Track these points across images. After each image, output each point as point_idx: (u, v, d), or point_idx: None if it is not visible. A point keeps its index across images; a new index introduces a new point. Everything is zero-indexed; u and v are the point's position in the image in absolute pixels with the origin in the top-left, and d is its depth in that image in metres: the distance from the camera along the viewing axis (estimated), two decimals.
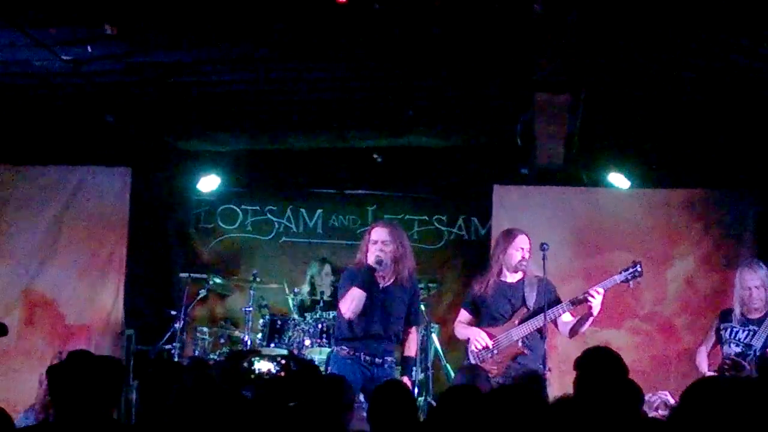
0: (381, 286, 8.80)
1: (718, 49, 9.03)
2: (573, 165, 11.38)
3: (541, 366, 8.69)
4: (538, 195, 11.29)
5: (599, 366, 5.70)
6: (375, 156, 12.58)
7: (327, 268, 12.51)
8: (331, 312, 11.19)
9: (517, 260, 9.03)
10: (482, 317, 9.08)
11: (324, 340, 11.21)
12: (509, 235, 9.23)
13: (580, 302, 8.90)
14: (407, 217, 13.03)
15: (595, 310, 8.84)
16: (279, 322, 11.44)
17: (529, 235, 9.11)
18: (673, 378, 10.42)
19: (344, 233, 13.10)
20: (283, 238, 13.20)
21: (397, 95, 10.82)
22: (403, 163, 12.68)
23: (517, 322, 8.90)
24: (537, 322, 8.80)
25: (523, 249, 9.04)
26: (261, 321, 11.60)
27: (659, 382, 10.48)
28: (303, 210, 13.26)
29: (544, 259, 9.10)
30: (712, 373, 9.14)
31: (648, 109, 10.76)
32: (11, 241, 10.96)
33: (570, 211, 11.21)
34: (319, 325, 11.22)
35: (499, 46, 9.16)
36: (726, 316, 9.58)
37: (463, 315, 9.24)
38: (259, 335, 11.47)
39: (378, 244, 8.70)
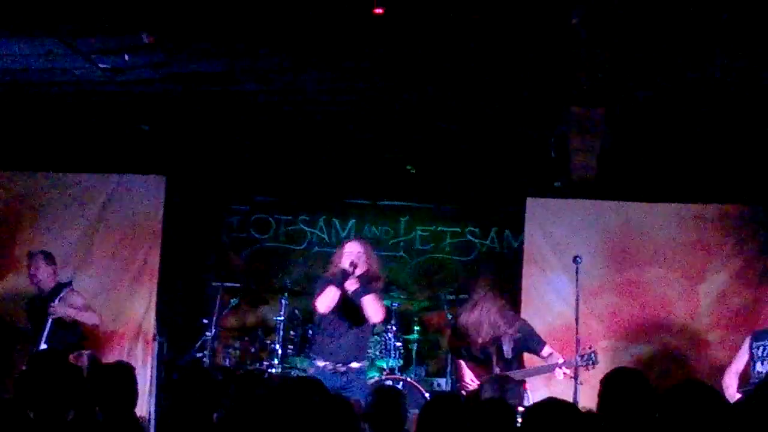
0: (349, 294, 9.15)
1: (752, 66, 9.01)
2: (606, 178, 11.35)
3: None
4: (571, 208, 11.22)
5: (624, 387, 5.68)
6: (408, 167, 12.60)
7: None
8: None
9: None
10: (465, 349, 9.65)
11: None
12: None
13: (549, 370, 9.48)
14: (440, 228, 13.05)
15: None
16: (311, 332, 11.45)
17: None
18: None
19: (377, 244, 13.08)
20: (316, 248, 13.22)
21: (432, 107, 10.84)
22: (437, 175, 12.69)
23: (497, 369, 9.35)
24: (516, 375, 9.30)
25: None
26: (292, 331, 11.62)
27: None
28: (336, 220, 13.29)
29: (577, 272, 9.28)
30: (740, 396, 9.07)
31: (682, 124, 10.74)
32: (46, 247, 10.98)
33: (603, 224, 11.14)
34: None
35: (536, 60, 9.16)
36: (759, 335, 9.53)
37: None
38: (291, 345, 11.49)
39: (353, 255, 9.19)
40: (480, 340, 9.54)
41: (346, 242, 9.54)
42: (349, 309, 9.19)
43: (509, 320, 9.63)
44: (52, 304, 9.95)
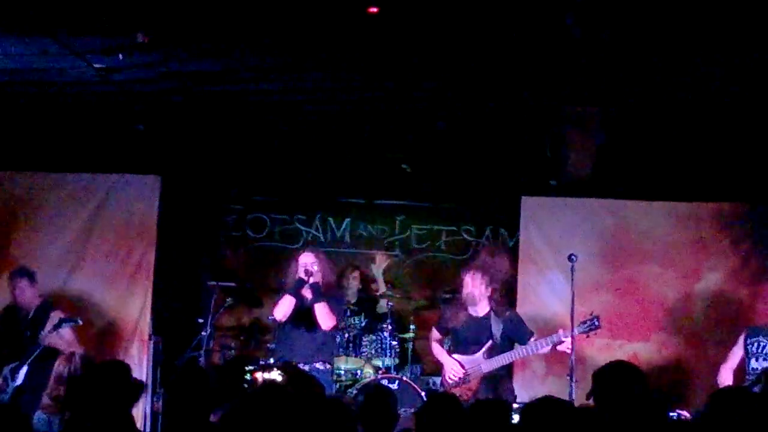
0: (305, 304, 9.76)
1: (746, 64, 9.02)
2: (602, 177, 11.35)
3: (510, 382, 9.88)
4: (567, 207, 11.25)
5: (617, 380, 5.68)
6: (404, 166, 12.59)
7: (356, 273, 12.37)
8: (356, 318, 11.30)
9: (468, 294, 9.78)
10: (451, 342, 9.99)
11: (350, 349, 11.23)
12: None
13: (552, 344, 9.55)
14: (435, 227, 13.03)
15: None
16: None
17: (479, 274, 9.78)
18: (700, 392, 10.35)
19: (372, 243, 13.09)
20: (311, 247, 13.18)
21: (427, 105, 10.83)
22: (432, 174, 12.67)
23: (485, 355, 9.55)
24: (506, 358, 9.62)
25: (469, 284, 9.78)
26: None
27: (686, 395, 10.47)
28: (331, 219, 13.26)
29: (572, 270, 9.35)
30: None
31: (677, 122, 10.74)
32: (41, 247, 11.00)
33: (598, 223, 11.16)
34: (346, 334, 11.21)
35: (531, 59, 9.16)
36: (753, 331, 9.54)
37: (435, 334, 10.15)
38: None
39: (307, 265, 9.80)
40: (469, 314, 9.69)
41: (300, 254, 10.10)
42: (304, 316, 9.81)
43: (500, 305, 9.76)
44: (46, 334, 9.98)
